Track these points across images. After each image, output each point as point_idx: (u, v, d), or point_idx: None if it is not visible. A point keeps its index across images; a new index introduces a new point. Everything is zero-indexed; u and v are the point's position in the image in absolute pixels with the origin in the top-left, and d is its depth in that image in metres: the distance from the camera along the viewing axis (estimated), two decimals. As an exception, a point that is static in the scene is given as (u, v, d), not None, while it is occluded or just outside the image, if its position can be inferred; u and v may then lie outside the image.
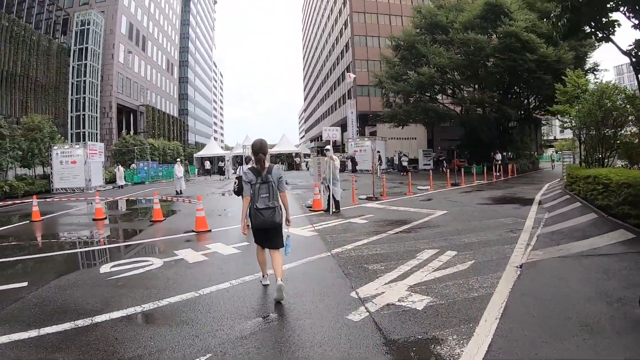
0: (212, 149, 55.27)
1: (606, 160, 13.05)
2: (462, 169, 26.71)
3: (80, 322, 4.64)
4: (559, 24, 9.17)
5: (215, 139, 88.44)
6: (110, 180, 34.91)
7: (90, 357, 3.86)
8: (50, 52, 43.64)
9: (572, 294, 5.13)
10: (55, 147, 29.02)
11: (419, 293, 5.24)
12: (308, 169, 44.99)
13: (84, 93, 46.50)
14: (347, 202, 14.66)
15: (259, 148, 5.12)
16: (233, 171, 40.76)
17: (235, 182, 10.37)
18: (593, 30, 9.48)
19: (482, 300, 4.88)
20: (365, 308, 4.79)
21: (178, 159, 24.81)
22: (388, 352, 3.74)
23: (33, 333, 4.35)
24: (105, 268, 7.14)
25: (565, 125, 20.22)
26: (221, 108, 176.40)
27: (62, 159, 28.66)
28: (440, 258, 6.85)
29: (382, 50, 49.01)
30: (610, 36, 9.34)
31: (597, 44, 31.44)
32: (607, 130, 12.92)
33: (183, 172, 24.23)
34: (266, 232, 5.16)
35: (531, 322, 4.27)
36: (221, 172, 44.14)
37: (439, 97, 41.55)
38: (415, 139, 50.30)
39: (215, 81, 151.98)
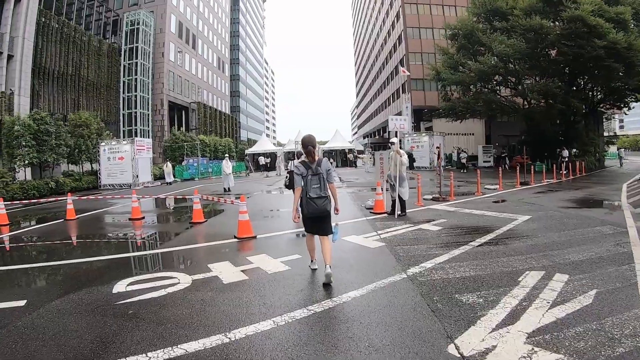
0: (263, 145, 54.28)
1: None
2: (526, 167, 24.87)
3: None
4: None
5: (268, 135, 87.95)
6: (160, 176, 34.50)
7: None
8: (101, 51, 44.15)
9: None
10: (102, 143, 28.75)
11: (545, 349, 3.49)
12: (363, 165, 43.25)
13: (136, 91, 46.87)
14: (412, 203, 12.71)
15: (308, 142, 5.49)
16: (285, 168, 39.45)
17: (286, 177, 10.90)
18: None
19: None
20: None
21: (226, 155, 23.60)
22: None
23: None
24: (120, 286, 5.72)
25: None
26: (273, 105, 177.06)
27: (110, 155, 28.33)
28: (551, 285, 5.09)
29: (437, 42, 46.54)
30: None
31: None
32: None
33: (232, 168, 22.98)
34: (317, 220, 5.46)
35: None
36: (266, 168, 42.79)
37: (498, 89, 38.76)
38: (473, 134, 47.74)
39: (267, 78, 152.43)
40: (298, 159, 10.18)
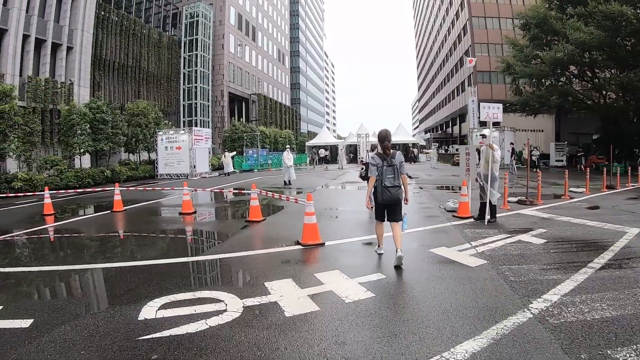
0: (324, 138, 52.44)
1: None
2: (601, 168, 22.46)
3: None
4: None
5: (327, 128, 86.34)
6: (218, 167, 33.36)
7: None
8: (161, 44, 44.14)
9: None
10: (160, 133, 27.81)
11: None
12: (428, 160, 40.36)
13: (196, 82, 46.71)
14: (497, 206, 10.21)
15: (384, 137, 5.90)
16: (347, 161, 37.38)
17: (362, 169, 11.11)
18: None
19: None
20: None
21: (288, 146, 21.64)
22: None
23: None
24: (149, 309, 4.17)
25: None
26: (333, 98, 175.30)
27: (167, 145, 27.30)
28: None
29: (506, 32, 43.74)
30: None
31: None
32: None
33: (293, 160, 21.03)
34: (390, 207, 5.85)
35: None
36: (325, 161, 40.74)
37: (573, 82, 35.08)
38: (542, 131, 43.96)
39: (327, 71, 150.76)
40: (372, 151, 10.53)
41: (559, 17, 30.11)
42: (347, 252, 6.74)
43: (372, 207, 6.37)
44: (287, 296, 4.46)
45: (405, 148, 49.18)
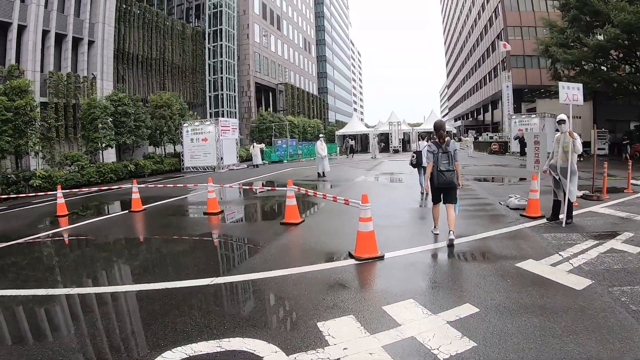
0: (354, 127, 50.36)
1: None
2: None
3: None
4: None
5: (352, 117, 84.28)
6: (247, 158, 32.03)
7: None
8: (185, 35, 43.09)
9: None
10: (185, 124, 26.53)
11: None
12: (464, 149, 37.99)
13: (221, 73, 45.50)
14: None
15: (439, 126, 6.47)
16: (379, 150, 35.37)
17: (413, 156, 11.39)
18: None
19: None
20: None
21: (321, 135, 19.84)
22: None
23: None
24: None
25: None
26: (360, 87, 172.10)
27: (193, 137, 25.99)
28: None
29: (540, 14, 40.98)
30: None
31: None
32: None
33: (327, 150, 19.32)
34: (445, 190, 6.29)
35: None
36: (351, 150, 38.89)
37: (617, 66, 31.80)
38: (580, 117, 40.75)
39: (354, 59, 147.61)
40: (423, 139, 11.60)
41: None
42: (415, 269, 5.16)
43: (429, 189, 6.71)
44: (354, 349, 2.99)
45: (426, 136, 46.71)
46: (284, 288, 4.52)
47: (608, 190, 10.83)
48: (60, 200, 10.94)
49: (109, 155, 25.72)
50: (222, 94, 45.01)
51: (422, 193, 11.15)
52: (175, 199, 12.81)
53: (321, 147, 18.01)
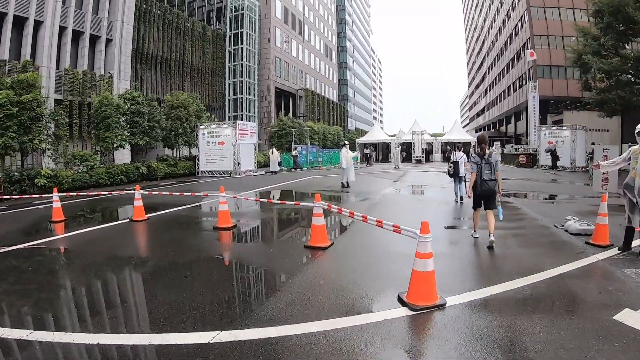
0: (375, 135, 48.79)
1: None
2: None
3: None
4: None
5: (373, 125, 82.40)
6: (264, 164, 30.90)
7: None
8: (206, 37, 42.34)
9: None
10: (201, 127, 25.34)
11: None
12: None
13: (241, 77, 44.50)
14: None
15: (482, 140, 6.86)
16: (401, 159, 33.66)
17: (450, 166, 12.24)
18: None
19: None
20: None
21: (345, 143, 18.18)
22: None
23: None
24: None
25: None
26: (380, 95, 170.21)
27: (209, 140, 24.78)
28: None
29: (567, 23, 40.42)
30: None
31: None
32: None
33: (352, 159, 17.78)
34: (486, 197, 6.75)
35: None
36: (366, 158, 37.30)
37: None
38: (607, 130, 38.88)
39: (374, 67, 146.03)
40: (460, 150, 12.60)
41: (636, 5, 25.36)
42: (489, 325, 3.68)
43: (470, 197, 7.04)
44: None
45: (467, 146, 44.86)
46: (318, 355, 3.09)
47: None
48: (57, 205, 9.76)
49: (123, 156, 24.87)
50: (242, 98, 44.02)
51: (456, 201, 11.80)
52: (185, 207, 11.44)
53: (346, 155, 16.58)
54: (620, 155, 6.71)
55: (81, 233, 8.18)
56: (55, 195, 9.95)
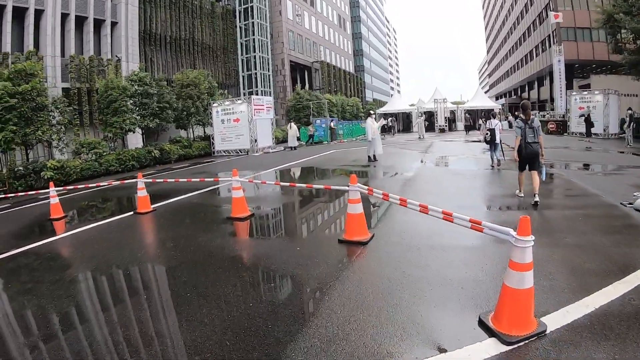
0: (395, 105, 46.60)
1: None
2: None
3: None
4: None
5: (392, 96, 79.78)
6: (283, 139, 29.62)
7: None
8: (215, 14, 40.71)
9: None
10: (214, 104, 24.00)
11: None
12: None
13: (254, 52, 42.71)
14: None
15: (527, 106, 7.32)
16: (425, 128, 31.60)
17: (486, 134, 12.11)
18: None
19: None
20: None
21: (372, 112, 16.57)
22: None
23: None
24: None
25: None
26: (397, 64, 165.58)
27: (223, 117, 23.44)
28: None
29: None
30: None
31: None
32: None
33: (380, 128, 16.20)
34: (531, 159, 7.13)
35: None
36: (388, 130, 35.47)
37: None
38: (637, 95, 36.27)
39: (389, 37, 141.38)
40: (494, 118, 13.20)
41: None
42: None
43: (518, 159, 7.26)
44: None
45: (487, 114, 42.66)
46: None
47: None
48: (54, 200, 8.77)
49: (137, 141, 23.86)
50: (256, 73, 42.31)
51: (492, 166, 11.98)
52: (197, 192, 10.17)
53: (372, 125, 15.09)
54: None
55: (77, 233, 7.05)
56: (52, 190, 8.93)
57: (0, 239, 7.14)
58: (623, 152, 15.97)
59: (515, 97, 72.13)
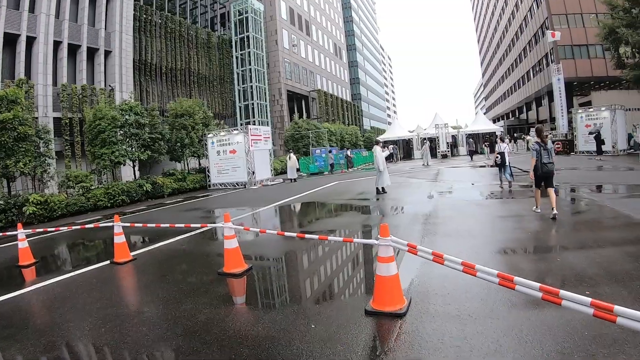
0: (395, 132, 46.05)
1: None
2: None
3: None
4: None
5: (389, 123, 79.41)
6: (282, 170, 28.78)
7: None
8: (211, 44, 40.70)
9: None
10: (209, 135, 23.14)
11: None
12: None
13: (251, 82, 42.26)
14: None
15: (541, 130, 8.09)
16: (427, 153, 30.54)
17: (497, 157, 12.94)
18: None
19: None
20: None
21: (378, 140, 15.54)
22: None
23: None
24: None
25: None
26: (393, 92, 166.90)
27: (219, 149, 22.57)
28: None
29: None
30: None
31: None
32: None
33: (384, 157, 15.02)
34: (547, 178, 7.98)
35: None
36: (390, 157, 34.57)
37: None
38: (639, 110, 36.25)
39: (384, 64, 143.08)
40: (503, 142, 13.38)
41: None
42: None
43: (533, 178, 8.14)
44: None
45: (489, 137, 41.63)
46: None
47: None
48: (23, 245, 7.64)
49: (129, 173, 22.95)
50: (253, 104, 41.76)
51: (501, 187, 12.81)
52: (185, 236, 8.95)
53: (380, 154, 14.04)
54: None
55: (40, 288, 5.88)
56: (21, 232, 7.81)
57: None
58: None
59: (513, 118, 72.86)
